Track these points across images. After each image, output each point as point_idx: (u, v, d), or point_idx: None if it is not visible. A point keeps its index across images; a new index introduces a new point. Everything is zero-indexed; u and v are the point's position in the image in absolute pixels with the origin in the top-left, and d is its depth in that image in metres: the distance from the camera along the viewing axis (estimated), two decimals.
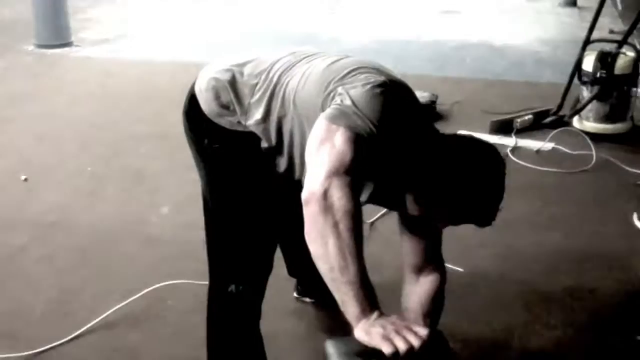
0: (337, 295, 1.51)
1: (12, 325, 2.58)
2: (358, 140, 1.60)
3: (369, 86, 1.68)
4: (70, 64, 6.33)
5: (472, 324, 2.56)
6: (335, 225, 1.50)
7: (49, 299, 2.75)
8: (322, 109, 1.69)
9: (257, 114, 1.84)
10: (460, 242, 3.10)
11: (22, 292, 2.79)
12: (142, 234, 3.23)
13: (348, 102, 1.65)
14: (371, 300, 1.50)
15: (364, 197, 1.75)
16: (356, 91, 1.67)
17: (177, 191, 3.60)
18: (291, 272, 2.61)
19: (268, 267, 2.07)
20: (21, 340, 2.47)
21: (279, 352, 2.30)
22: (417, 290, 1.97)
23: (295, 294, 2.71)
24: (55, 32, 6.71)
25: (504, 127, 4.43)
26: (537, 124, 4.49)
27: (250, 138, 1.87)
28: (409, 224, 1.94)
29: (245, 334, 2.09)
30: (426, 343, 1.43)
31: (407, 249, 1.98)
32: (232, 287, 2.00)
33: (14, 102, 5.10)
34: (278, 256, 2.36)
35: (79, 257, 3.04)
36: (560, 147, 4.17)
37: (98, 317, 2.57)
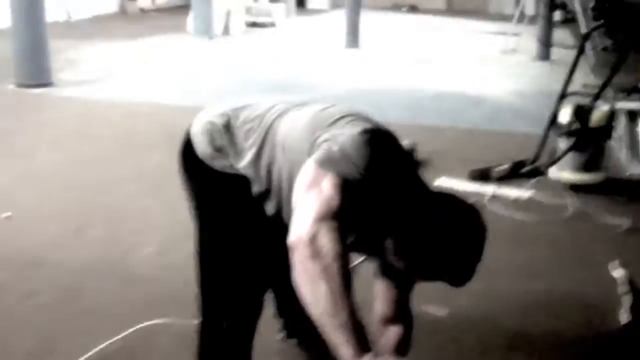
0: (330, 338, 1.53)
1: None
2: (345, 186, 1.63)
3: (356, 132, 1.72)
4: (51, 104, 6.36)
5: None
6: (325, 269, 1.53)
7: (32, 336, 2.73)
8: (309, 154, 1.73)
9: (249, 157, 1.89)
10: (442, 288, 3.15)
11: (4, 330, 2.77)
12: (126, 273, 3.23)
13: (336, 147, 1.69)
14: (363, 342, 1.53)
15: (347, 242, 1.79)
16: (344, 137, 1.72)
17: (161, 231, 3.61)
18: (279, 312, 2.62)
19: (258, 307, 2.09)
20: None
21: None
22: (382, 342, 1.99)
23: (280, 336, 2.72)
24: (36, 71, 6.75)
25: (482, 176, 4.52)
26: (515, 174, 4.58)
27: (242, 181, 1.91)
28: (385, 272, 1.96)
29: None
30: None
31: (379, 297, 2.01)
32: (225, 325, 2.02)
33: None
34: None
35: (62, 296, 3.03)
36: (537, 197, 4.25)
37: (82, 356, 2.56)
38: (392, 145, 1.81)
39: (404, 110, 6.38)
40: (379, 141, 1.75)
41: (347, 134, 1.72)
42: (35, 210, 3.91)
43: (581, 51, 4.70)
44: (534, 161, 4.64)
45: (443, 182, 4.44)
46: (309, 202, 1.61)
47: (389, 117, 6.00)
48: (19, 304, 2.96)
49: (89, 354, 2.57)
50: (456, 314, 2.94)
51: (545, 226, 3.89)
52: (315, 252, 1.54)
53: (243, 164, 1.90)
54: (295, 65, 8.35)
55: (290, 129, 1.85)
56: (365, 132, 1.73)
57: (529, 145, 4.76)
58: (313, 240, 1.54)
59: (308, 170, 1.68)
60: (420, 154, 4.86)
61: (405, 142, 4.58)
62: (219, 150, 1.94)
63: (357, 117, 1.82)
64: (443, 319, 2.89)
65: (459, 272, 1.73)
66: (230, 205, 1.97)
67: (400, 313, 2.02)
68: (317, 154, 1.70)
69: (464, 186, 4.38)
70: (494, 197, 4.26)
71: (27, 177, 4.42)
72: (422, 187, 1.82)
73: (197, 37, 9.68)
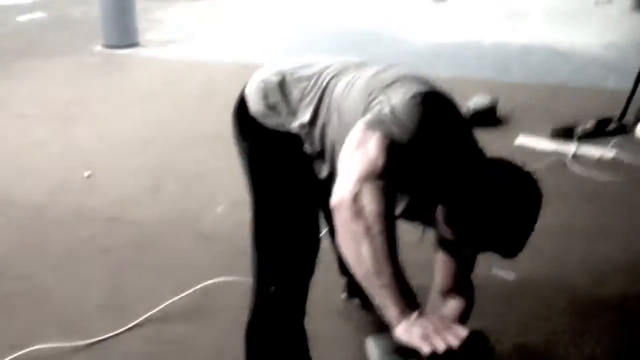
0: (376, 299, 1.52)
1: (68, 315, 2.67)
2: (393, 147, 1.60)
3: (409, 95, 1.68)
4: (137, 65, 6.49)
5: (520, 331, 2.54)
6: (367, 229, 1.50)
7: (104, 291, 2.83)
8: (363, 116, 1.70)
9: (305, 117, 1.87)
10: None
11: (79, 284, 2.89)
12: (198, 231, 3.31)
13: (387, 109, 1.66)
14: (409, 300, 1.50)
15: (398, 209, 1.75)
16: (397, 100, 1.68)
17: (235, 190, 3.64)
18: (342, 270, 2.62)
19: (309, 270, 2.07)
20: (76, 331, 2.55)
21: (324, 353, 2.31)
22: (442, 312, 1.96)
23: (343, 295, 2.73)
24: (123, 32, 6.87)
25: (565, 134, 4.36)
26: (600, 132, 4.40)
27: (294, 140, 1.90)
28: (443, 243, 1.93)
29: (284, 334, 2.10)
30: (466, 343, 1.44)
31: (438, 269, 1.98)
32: (273, 288, 2.02)
33: (80, 102, 5.27)
34: (330, 257, 2.40)
35: (135, 252, 3.12)
36: (621, 156, 4.08)
37: (152, 310, 2.64)
38: (446, 109, 1.75)
39: (489, 66, 6.21)
40: (433, 104, 1.70)
41: (399, 96, 1.68)
42: (115, 169, 4.03)
43: None
44: (620, 118, 4.45)
45: (522, 140, 4.31)
46: (353, 162, 1.59)
47: (473, 72, 5.95)
48: (95, 259, 3.07)
49: (159, 307, 2.65)
50: (525, 278, 2.87)
51: (627, 187, 3.73)
52: (357, 212, 1.51)
53: (297, 124, 1.88)
54: (378, 19, 8.23)
55: (346, 91, 1.82)
56: (419, 94, 1.68)
57: (618, 102, 4.55)
58: (355, 200, 1.52)
59: (356, 131, 1.65)
60: (502, 110, 4.75)
61: (486, 99, 4.57)
62: (272, 108, 1.92)
63: (414, 79, 1.77)
64: (510, 283, 2.83)
65: (510, 243, 1.68)
66: (282, 164, 1.96)
67: (460, 285, 1.98)
68: (367, 116, 1.67)
69: (544, 145, 4.25)
70: (576, 157, 4.11)
71: (109, 137, 4.54)
72: (478, 154, 1.77)
73: None
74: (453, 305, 1.98)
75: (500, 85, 5.40)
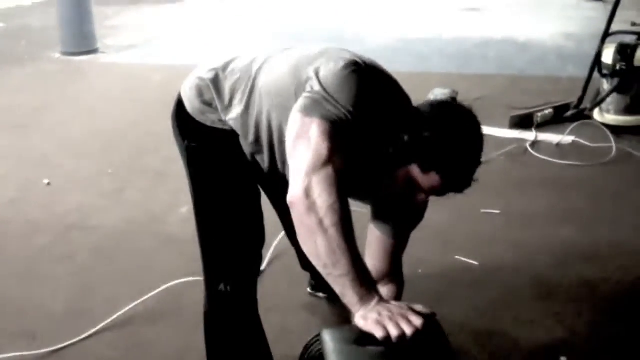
0: (336, 289, 1.53)
1: (32, 323, 2.64)
2: (333, 128, 1.59)
3: (339, 68, 1.67)
4: (96, 71, 6.44)
5: (483, 317, 2.56)
6: (320, 222, 1.51)
7: (68, 297, 2.80)
8: (297, 96, 1.69)
9: (238, 109, 1.86)
10: (475, 236, 3.12)
11: (42, 291, 2.85)
12: (161, 233, 3.29)
13: (317, 87, 1.65)
14: (368, 287, 1.51)
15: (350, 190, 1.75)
16: (325, 73, 1.67)
17: None
18: (303, 265, 2.62)
19: (256, 266, 2.07)
20: (40, 338, 2.52)
21: (290, 346, 2.30)
22: None
23: (308, 289, 2.73)
24: (81, 39, 6.82)
25: (524, 122, 4.42)
26: (558, 118, 4.46)
27: (232, 136, 1.89)
28: (381, 217, 1.93)
29: (239, 329, 2.09)
30: (420, 331, 1.44)
31: (372, 250, 1.97)
32: (222, 286, 2.00)
33: (39, 109, 5.21)
34: (292, 251, 2.40)
35: (98, 256, 3.10)
36: (580, 140, 4.14)
37: (116, 314, 2.62)
38: (376, 73, 1.75)
39: (449, 59, 6.26)
40: (363, 72, 1.69)
41: (329, 70, 1.68)
42: (75, 175, 3.99)
43: None
44: (577, 104, 4.51)
45: (483, 130, 4.34)
46: (299, 156, 1.59)
47: (434, 67, 6.00)
48: (55, 267, 3.04)
49: (123, 311, 2.63)
50: (487, 263, 2.90)
51: (587, 170, 3.79)
52: (309, 207, 1.52)
53: (232, 115, 1.87)
54: (340, 18, 8.26)
55: (274, 73, 1.82)
56: (348, 64, 1.68)
57: (575, 89, 4.61)
58: (307, 194, 1.53)
59: (294, 120, 1.64)
60: (462, 102, 4.77)
61: (446, 91, 4.61)
62: (208, 104, 1.91)
63: (339, 51, 1.77)
64: (473, 268, 2.86)
65: (468, 171, 1.67)
66: (219, 161, 1.95)
67: (394, 269, 1.99)
68: (301, 101, 1.66)
69: (505, 133, 4.29)
70: (536, 143, 4.16)
71: (69, 142, 4.50)
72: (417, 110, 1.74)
73: None
74: (388, 291, 1.96)
75: (460, 78, 5.45)
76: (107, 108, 5.20)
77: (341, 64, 1.69)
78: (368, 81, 1.69)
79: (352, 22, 7.94)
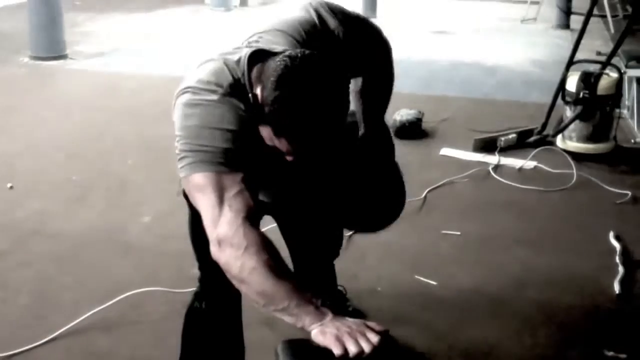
0: (287, 320, 1.55)
1: None
2: (217, 174, 1.62)
3: (180, 103, 1.71)
4: (64, 76, 6.39)
5: (441, 338, 2.58)
6: (239, 274, 1.56)
7: (24, 304, 2.78)
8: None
9: None
10: (435, 256, 3.15)
11: None
12: (122, 242, 3.27)
13: (177, 141, 1.69)
14: (315, 306, 1.53)
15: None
16: (174, 119, 1.73)
17: (161, 201, 3.63)
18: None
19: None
20: None
21: None
22: None
23: None
24: (51, 44, 6.74)
25: (487, 146, 4.46)
26: (521, 143, 4.52)
27: None
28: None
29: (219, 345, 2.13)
30: (377, 348, 1.46)
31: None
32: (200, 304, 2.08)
33: (4, 113, 5.15)
34: None
35: (57, 264, 3.07)
36: (542, 166, 4.20)
37: (73, 322, 2.60)
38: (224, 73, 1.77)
39: (417, 81, 6.30)
40: (195, 98, 1.70)
41: (175, 115, 1.72)
42: (38, 180, 3.95)
43: (589, 16, 4.59)
44: (541, 130, 4.58)
45: (447, 152, 4.40)
46: (202, 214, 1.63)
47: (401, 87, 6.01)
48: (14, 273, 3.00)
49: (80, 319, 2.61)
50: (446, 283, 2.93)
51: (547, 196, 3.84)
52: (224, 264, 1.58)
53: None
54: None
55: None
56: (180, 98, 1.72)
57: (540, 115, 4.67)
58: (220, 249, 1.58)
59: (185, 185, 1.69)
60: (427, 123, 4.83)
61: (412, 112, 4.65)
62: None
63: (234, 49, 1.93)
64: (432, 288, 2.89)
65: (308, 140, 1.63)
66: None
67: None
68: (178, 163, 1.68)
69: (468, 156, 4.34)
70: (499, 167, 4.21)
71: (32, 147, 4.46)
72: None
73: (214, 9, 9.63)
74: None
75: (426, 99, 5.49)
76: (74, 114, 5.16)
77: (182, 100, 1.72)
78: (207, 103, 1.68)
79: None
